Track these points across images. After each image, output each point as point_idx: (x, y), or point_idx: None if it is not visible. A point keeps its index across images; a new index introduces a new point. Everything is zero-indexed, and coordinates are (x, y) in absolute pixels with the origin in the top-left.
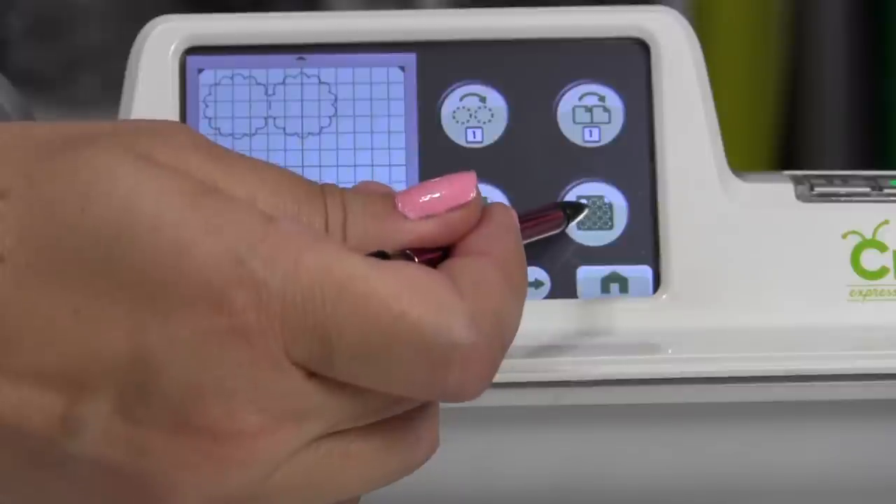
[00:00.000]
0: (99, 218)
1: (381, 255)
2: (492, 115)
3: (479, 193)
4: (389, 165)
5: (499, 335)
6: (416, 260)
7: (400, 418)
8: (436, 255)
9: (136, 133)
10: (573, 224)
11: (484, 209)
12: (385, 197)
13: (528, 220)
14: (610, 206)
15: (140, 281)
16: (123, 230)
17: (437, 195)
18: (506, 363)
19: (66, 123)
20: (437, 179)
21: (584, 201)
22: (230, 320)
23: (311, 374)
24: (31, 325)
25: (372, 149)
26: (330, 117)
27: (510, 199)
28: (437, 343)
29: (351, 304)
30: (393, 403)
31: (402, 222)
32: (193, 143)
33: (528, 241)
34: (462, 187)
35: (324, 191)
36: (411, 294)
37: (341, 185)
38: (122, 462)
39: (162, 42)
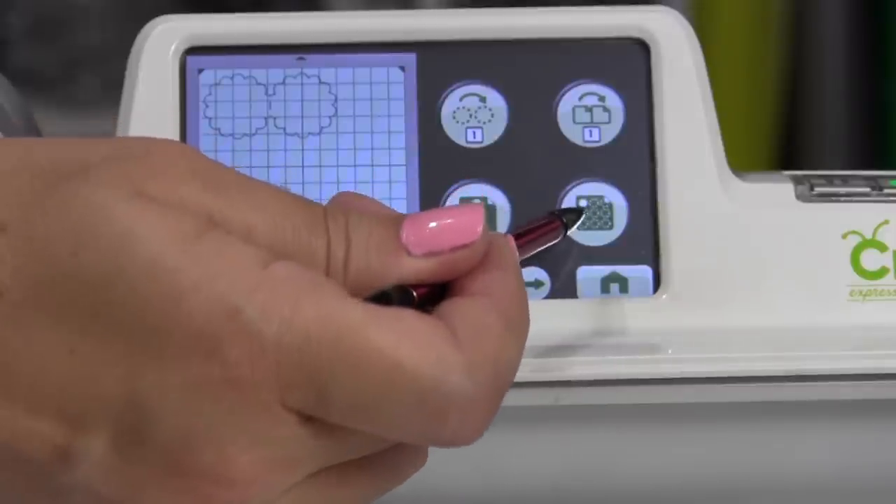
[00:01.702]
0: (92, 262)
1: (381, 293)
2: (492, 115)
3: (485, 231)
4: (389, 165)
5: (496, 383)
6: (415, 293)
7: (386, 454)
8: (435, 290)
9: (130, 162)
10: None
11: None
12: (389, 226)
13: (527, 233)
14: (610, 206)
15: (135, 326)
16: (118, 275)
17: (442, 232)
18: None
19: (63, 145)
20: (445, 211)
21: (583, 203)
22: (223, 371)
23: (307, 420)
24: (26, 361)
25: (372, 149)
26: (330, 117)
27: (510, 199)
28: (433, 395)
29: (348, 354)
30: (384, 442)
31: (404, 258)
32: (190, 167)
33: (529, 255)
34: (469, 225)
35: (326, 216)
36: (409, 345)
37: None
38: (117, 497)
39: (162, 42)
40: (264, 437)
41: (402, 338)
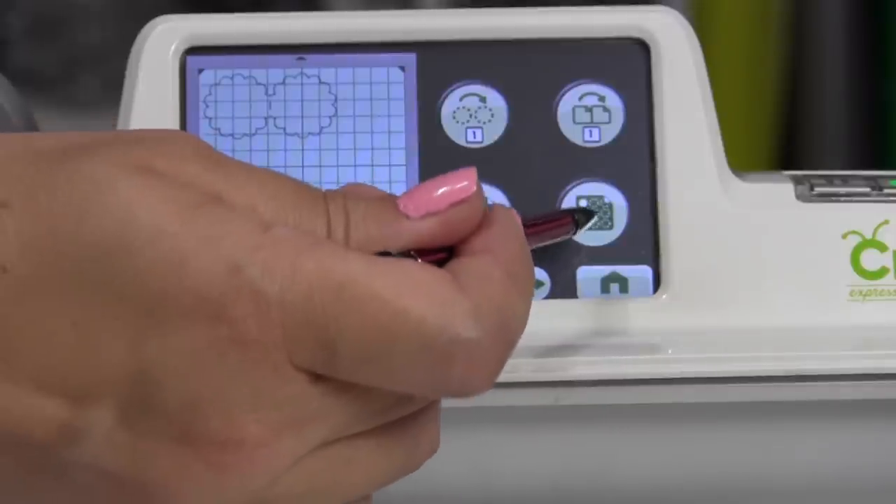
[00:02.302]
0: (97, 231)
1: (384, 254)
2: (492, 115)
3: (480, 189)
4: (389, 165)
5: (503, 331)
6: (420, 261)
7: (402, 421)
8: (440, 256)
9: (136, 143)
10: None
11: (486, 213)
12: (386, 199)
13: (537, 224)
14: (610, 206)
15: (138, 294)
16: (121, 243)
17: (437, 192)
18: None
19: (68, 133)
20: (437, 177)
21: (583, 203)
22: (229, 331)
23: (316, 378)
24: (31, 336)
25: (372, 149)
26: (330, 117)
27: (510, 199)
28: (439, 339)
29: (351, 305)
30: (396, 404)
31: (404, 223)
32: (195, 151)
33: (537, 246)
34: (463, 183)
35: (325, 197)
36: (412, 291)
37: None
38: (125, 471)
39: (162, 42)
40: (272, 398)
41: (405, 285)
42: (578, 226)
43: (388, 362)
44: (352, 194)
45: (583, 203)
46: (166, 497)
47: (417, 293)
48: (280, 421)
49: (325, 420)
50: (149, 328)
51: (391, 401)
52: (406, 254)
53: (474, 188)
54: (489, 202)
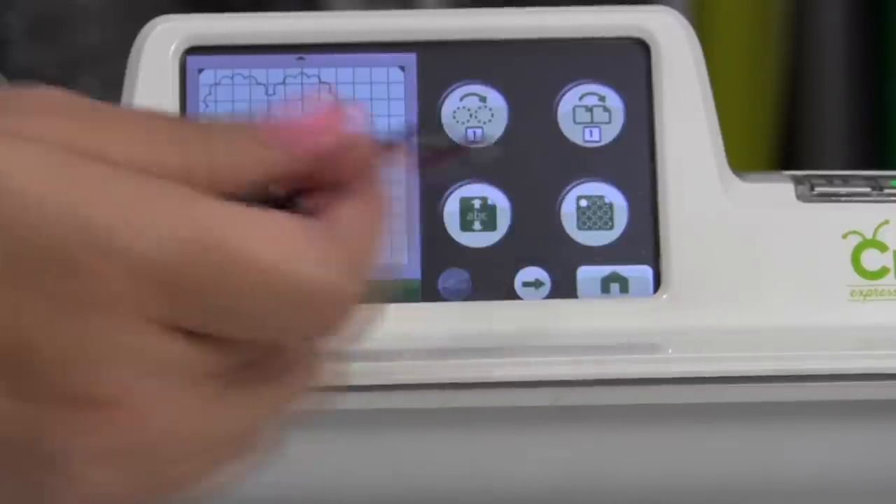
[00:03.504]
0: None
1: (244, 197)
2: (492, 115)
3: (344, 120)
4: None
5: (357, 273)
6: (284, 193)
7: (271, 357)
8: (300, 188)
9: (3, 105)
10: (574, 224)
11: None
12: (250, 130)
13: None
14: (610, 206)
15: (9, 258)
16: None
17: (302, 124)
18: (506, 363)
19: None
20: (306, 110)
21: (583, 203)
22: (84, 285)
23: (177, 330)
24: None
25: None
26: None
27: (510, 199)
28: (294, 287)
29: (210, 256)
30: (260, 346)
31: (267, 154)
32: (61, 106)
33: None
34: (326, 115)
35: (186, 126)
36: (266, 240)
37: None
38: (20, 438)
39: (162, 42)
40: (134, 350)
41: (259, 234)
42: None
43: (248, 314)
44: (216, 124)
45: (583, 203)
46: (62, 457)
47: (271, 241)
48: (145, 370)
49: (195, 370)
50: (22, 293)
51: (253, 347)
52: (270, 188)
53: (338, 120)
54: (489, 202)
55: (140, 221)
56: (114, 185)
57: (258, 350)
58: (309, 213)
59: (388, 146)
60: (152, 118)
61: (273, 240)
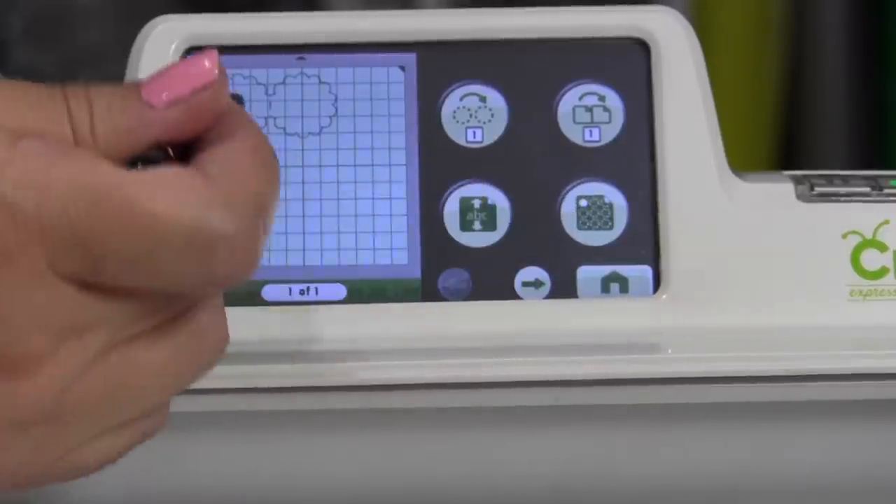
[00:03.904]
0: None
1: (134, 161)
2: (492, 115)
3: (223, 73)
4: (389, 165)
5: (258, 216)
6: (171, 152)
7: (181, 317)
8: (189, 144)
9: None
10: (574, 224)
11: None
12: (130, 88)
13: None
14: (610, 206)
15: None
16: None
17: (179, 77)
18: (505, 363)
19: None
20: (179, 63)
21: (583, 203)
22: None
23: (85, 286)
24: None
25: (372, 149)
26: (330, 117)
27: (510, 199)
28: (197, 237)
29: (108, 213)
30: (171, 300)
31: (149, 112)
32: None
33: None
34: (203, 66)
35: (66, 93)
36: (165, 194)
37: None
38: None
39: (162, 42)
40: (46, 309)
41: (157, 189)
42: None
43: (150, 264)
44: (94, 86)
45: (583, 203)
46: None
47: (171, 195)
48: (59, 328)
49: (103, 324)
50: None
51: (165, 300)
52: (155, 147)
53: (215, 72)
54: (489, 202)
55: (43, 183)
56: (10, 149)
57: (168, 304)
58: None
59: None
60: (28, 87)
61: (150, 187)
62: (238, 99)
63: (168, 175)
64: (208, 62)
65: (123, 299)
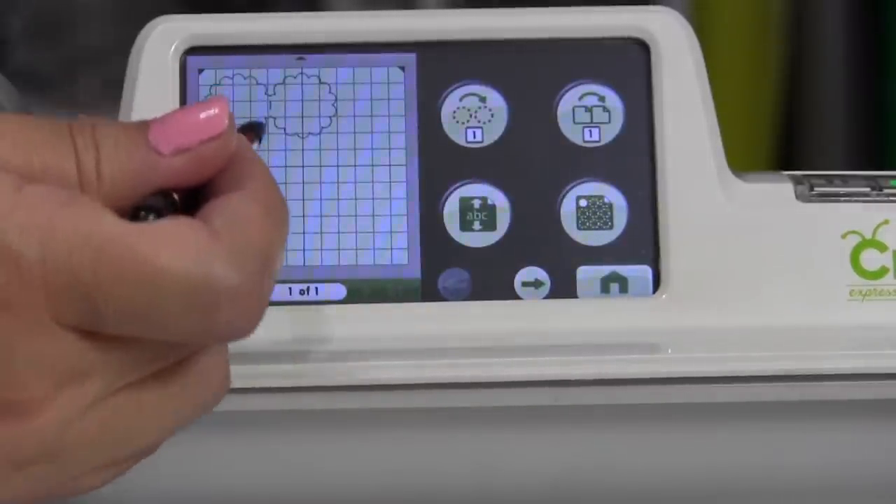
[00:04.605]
0: None
1: (143, 206)
2: (492, 115)
3: (232, 122)
4: (389, 165)
5: (263, 270)
6: (176, 197)
7: (184, 363)
8: (195, 192)
9: None
10: (574, 224)
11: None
12: (138, 130)
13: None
14: (610, 206)
15: None
16: None
17: (189, 126)
18: (505, 363)
19: None
20: (189, 107)
21: (582, 203)
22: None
23: (86, 334)
24: None
25: (372, 149)
26: (330, 117)
27: (510, 199)
28: (200, 290)
29: (110, 264)
30: (171, 350)
31: (155, 158)
32: None
33: None
34: (214, 117)
35: (72, 131)
36: (168, 246)
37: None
38: None
39: (162, 42)
40: (47, 356)
41: (161, 241)
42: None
43: (152, 316)
44: (101, 124)
45: (583, 203)
46: None
47: (174, 248)
48: (59, 375)
49: (103, 371)
50: None
51: (166, 348)
52: (161, 194)
53: (225, 123)
54: (489, 202)
55: (47, 233)
56: (15, 195)
57: (170, 352)
58: (187, 213)
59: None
60: (35, 123)
61: (153, 238)
62: (259, 127)
63: (172, 227)
64: (218, 110)
65: (125, 347)
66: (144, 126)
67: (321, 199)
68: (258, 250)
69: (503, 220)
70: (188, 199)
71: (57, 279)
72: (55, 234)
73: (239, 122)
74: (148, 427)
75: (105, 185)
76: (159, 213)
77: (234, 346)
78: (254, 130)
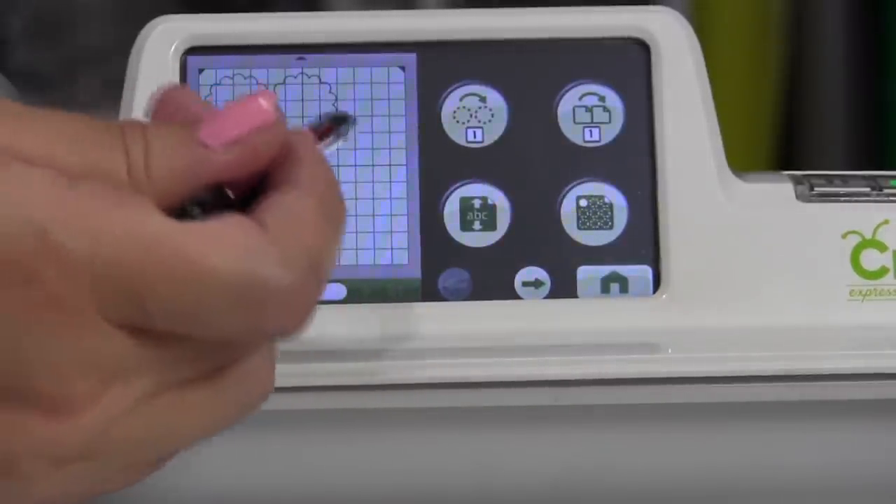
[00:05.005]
0: None
1: (187, 206)
2: (492, 115)
3: (281, 113)
4: (390, 165)
5: (313, 271)
6: (231, 194)
7: (230, 365)
8: (249, 186)
9: None
10: (574, 224)
11: (288, 140)
12: (186, 127)
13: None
14: (610, 206)
15: None
16: None
17: (236, 118)
18: (505, 363)
19: None
20: (235, 101)
21: (583, 203)
22: (42, 293)
23: (133, 332)
24: None
25: (372, 149)
26: None
27: (510, 200)
28: (248, 290)
29: (159, 264)
30: (220, 350)
31: (205, 153)
32: None
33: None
34: (261, 106)
35: (123, 131)
36: (217, 246)
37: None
38: None
39: (162, 42)
40: (94, 354)
41: (210, 240)
42: (339, 135)
43: (200, 316)
44: (152, 123)
45: (583, 203)
46: (7, 458)
47: (223, 247)
48: (105, 374)
49: (150, 370)
50: None
51: (213, 347)
52: (215, 189)
53: (272, 112)
54: (489, 202)
55: (96, 231)
56: (65, 191)
57: (217, 352)
58: (241, 209)
59: (316, 131)
60: (86, 122)
61: (202, 238)
62: (343, 119)
63: (220, 226)
64: (265, 102)
65: (172, 346)
66: (194, 123)
67: None
68: (309, 249)
69: (503, 220)
70: (244, 192)
71: (106, 277)
72: (104, 232)
73: (325, 115)
74: (191, 428)
75: (155, 181)
76: (209, 209)
77: None
78: (338, 124)
